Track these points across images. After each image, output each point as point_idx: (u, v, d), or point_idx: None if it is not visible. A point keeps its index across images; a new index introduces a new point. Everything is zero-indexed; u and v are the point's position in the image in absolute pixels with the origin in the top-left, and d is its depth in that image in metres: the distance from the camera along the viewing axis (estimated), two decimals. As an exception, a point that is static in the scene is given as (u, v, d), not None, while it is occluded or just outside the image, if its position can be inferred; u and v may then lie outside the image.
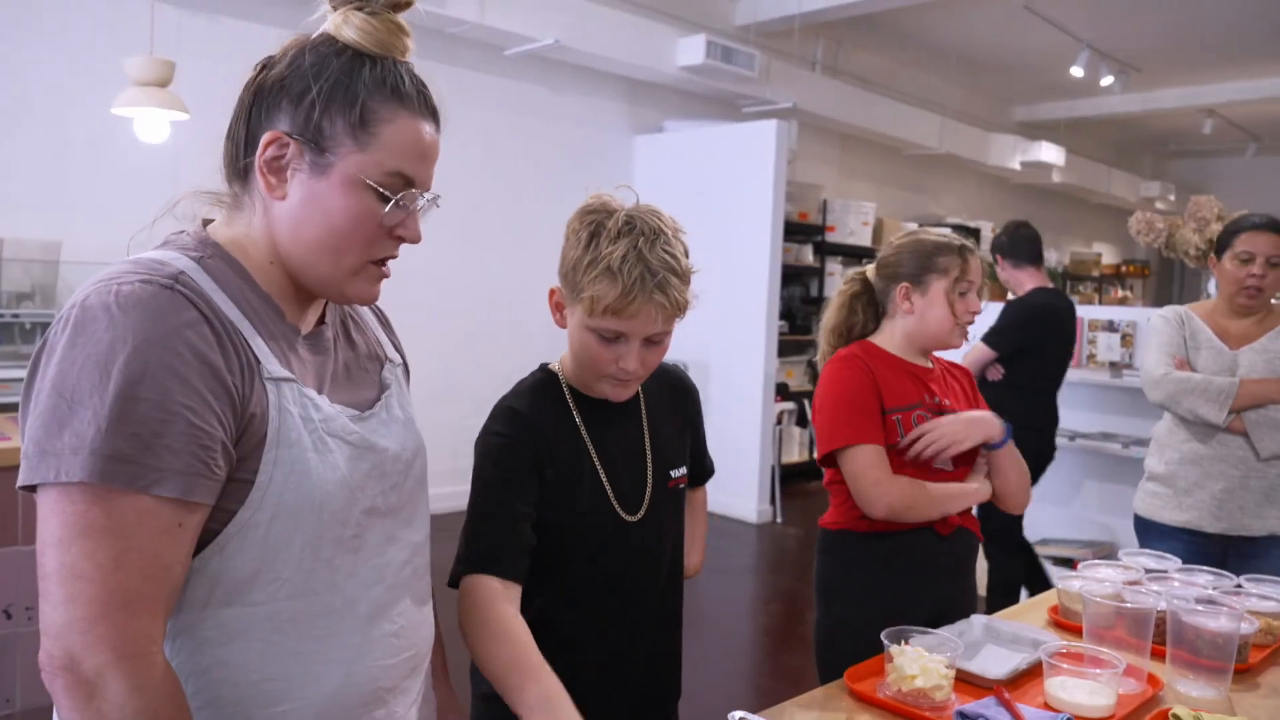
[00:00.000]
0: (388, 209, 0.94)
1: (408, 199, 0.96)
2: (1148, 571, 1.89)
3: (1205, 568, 1.92)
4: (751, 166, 6.17)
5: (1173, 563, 1.96)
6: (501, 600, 1.22)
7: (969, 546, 1.93)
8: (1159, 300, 13.11)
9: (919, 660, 1.40)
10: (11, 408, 2.92)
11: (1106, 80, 8.49)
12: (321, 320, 1.05)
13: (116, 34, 4.06)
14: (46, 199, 4.08)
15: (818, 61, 7.86)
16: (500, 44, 5.75)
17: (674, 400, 1.52)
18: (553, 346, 1.44)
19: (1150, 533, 2.66)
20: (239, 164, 0.96)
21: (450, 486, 3.45)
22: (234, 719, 0.90)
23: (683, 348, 6.49)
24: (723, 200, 6.27)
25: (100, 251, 3.75)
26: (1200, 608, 1.53)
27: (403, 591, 1.02)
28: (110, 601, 0.80)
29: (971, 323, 1.92)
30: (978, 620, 1.72)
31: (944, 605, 1.81)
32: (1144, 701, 1.44)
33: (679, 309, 1.28)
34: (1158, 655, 1.57)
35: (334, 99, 0.92)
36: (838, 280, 7.47)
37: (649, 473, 1.42)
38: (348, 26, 0.94)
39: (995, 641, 1.66)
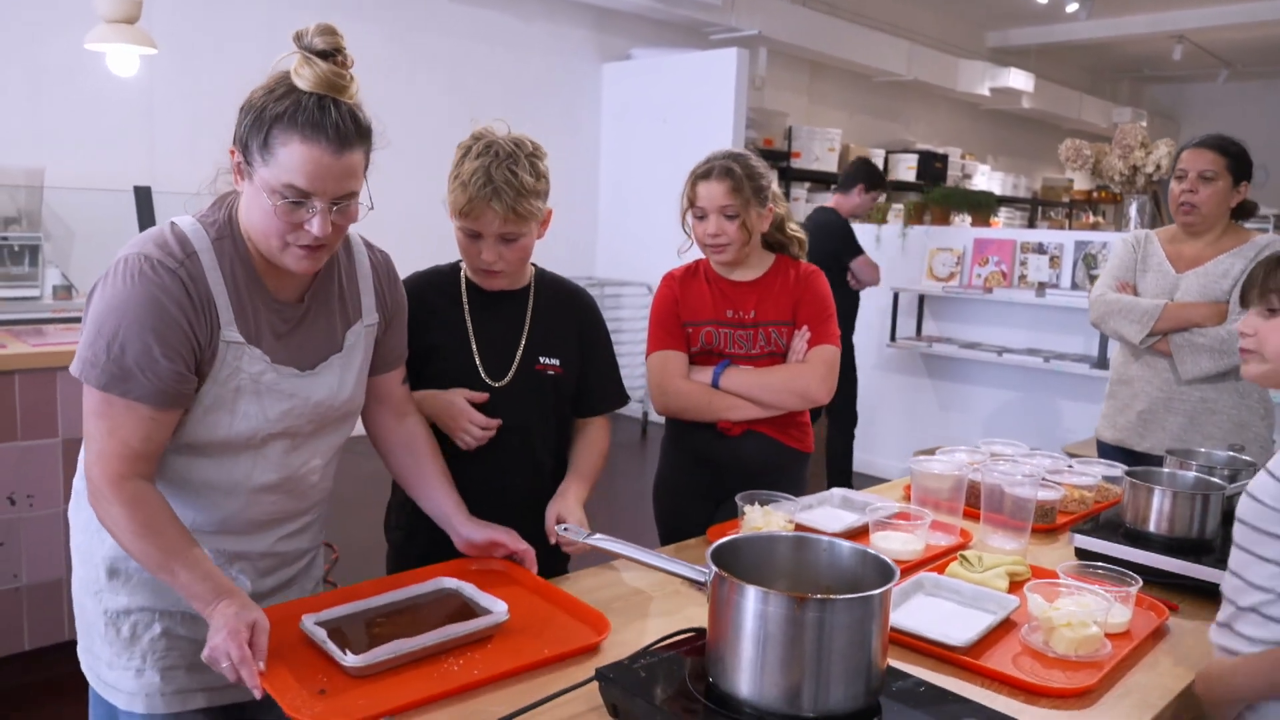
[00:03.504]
0: (277, 211, 1.25)
1: (301, 207, 1.25)
2: (994, 455, 2.21)
3: (1048, 452, 2.23)
4: (715, 94, 6.35)
5: (1020, 448, 2.28)
6: None
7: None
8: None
9: (766, 516, 1.71)
10: (7, 322, 3.21)
11: (1072, 6, 8.60)
12: (307, 290, 1.40)
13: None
14: (26, 130, 4.29)
15: (786, -12, 7.95)
16: (466, -28, 5.86)
17: (564, 308, 1.81)
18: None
19: (1101, 451, 2.77)
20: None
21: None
22: (193, 502, 1.39)
23: (643, 271, 6.76)
24: (687, 127, 6.46)
25: (80, 178, 3.98)
26: (1008, 477, 1.85)
27: (291, 479, 1.43)
28: (104, 453, 1.27)
29: (711, 246, 2.03)
30: (837, 492, 2.04)
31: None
32: (950, 549, 1.76)
33: (518, 215, 1.60)
34: (977, 518, 1.89)
35: (254, 125, 1.24)
36: (803, 205, 7.71)
37: (519, 352, 1.75)
38: (300, 71, 1.24)
39: (846, 508, 1.98)
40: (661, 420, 2.16)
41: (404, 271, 1.81)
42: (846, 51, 8.26)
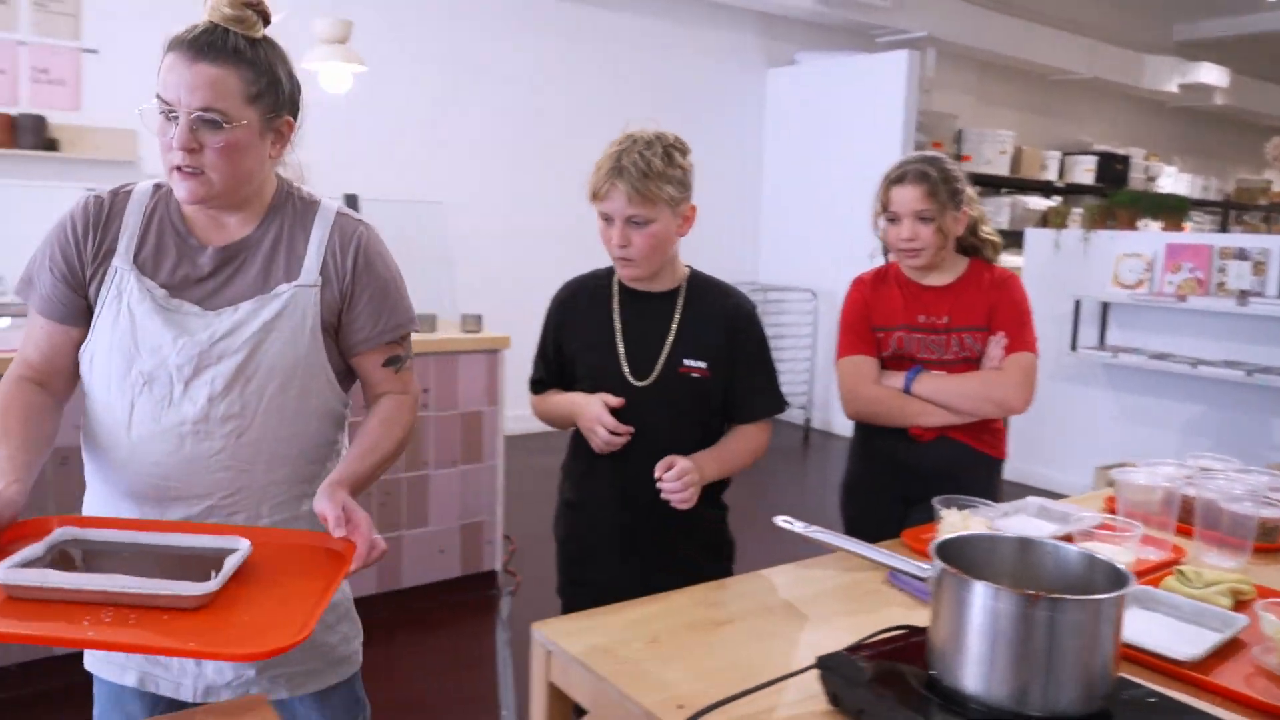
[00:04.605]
0: (157, 129, 1.29)
1: (170, 123, 1.28)
2: (1203, 470, 2.10)
3: (1265, 469, 2.10)
4: (883, 97, 6.26)
5: (1232, 463, 2.15)
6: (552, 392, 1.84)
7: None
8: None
9: (965, 520, 1.70)
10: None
11: (1275, -6, 7.98)
12: (232, 244, 1.39)
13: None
14: None
15: (957, -13, 7.74)
16: (636, -16, 6.02)
17: (715, 311, 1.78)
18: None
19: None
20: None
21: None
22: (98, 458, 1.42)
23: (808, 277, 6.72)
24: (853, 132, 6.39)
25: None
26: (1225, 492, 1.76)
27: (175, 437, 1.35)
28: (20, 352, 1.41)
29: (905, 251, 2.01)
30: (1033, 501, 1.99)
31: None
32: (1162, 564, 1.69)
33: (643, 196, 1.63)
34: (1190, 535, 1.81)
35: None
36: (971, 210, 7.47)
37: (663, 353, 1.75)
38: (209, 5, 1.31)
39: (1044, 518, 1.93)
40: (824, 428, 2.18)
41: (564, 277, 1.88)
42: (1020, 50, 7.96)
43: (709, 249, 1.60)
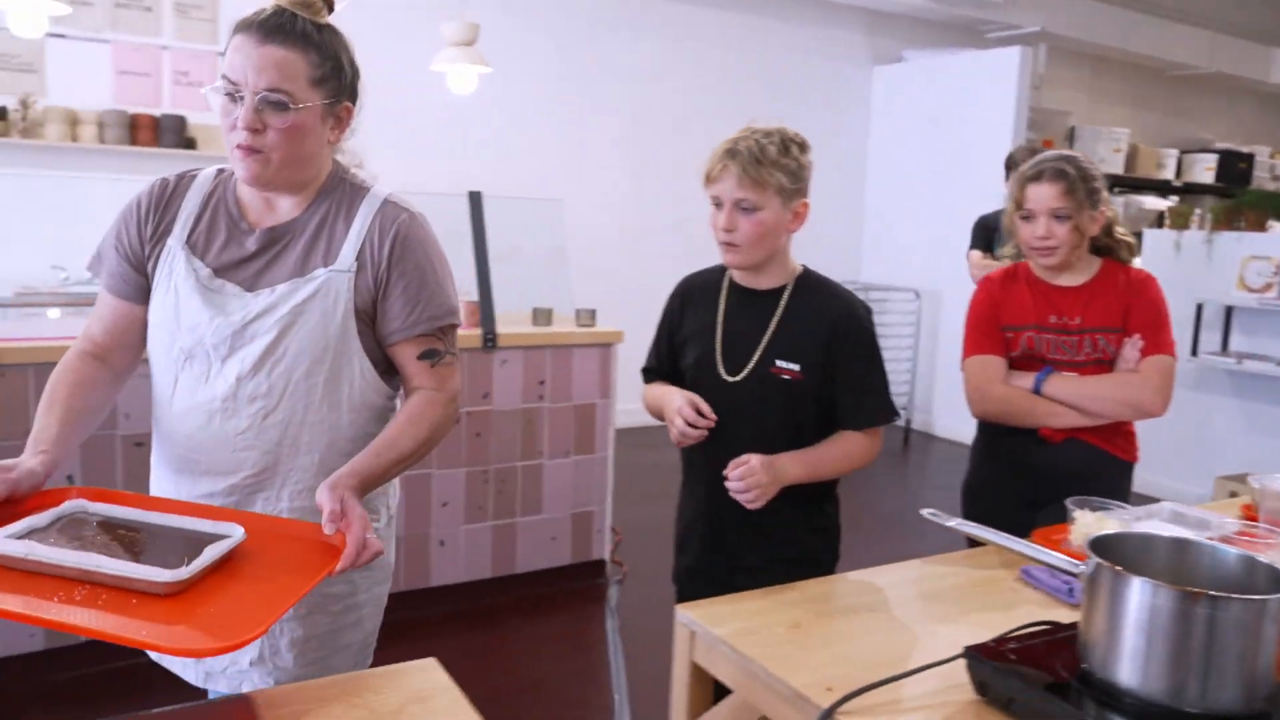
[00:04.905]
0: (220, 109, 1.31)
1: (235, 103, 1.29)
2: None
3: None
4: (992, 94, 6.14)
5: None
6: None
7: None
8: None
9: (1100, 522, 1.69)
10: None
11: None
12: (278, 226, 1.40)
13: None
14: (383, 142, 4.96)
15: (1071, -20, 7.53)
16: (744, -17, 6.04)
17: (819, 312, 1.72)
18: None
19: None
20: None
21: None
22: (155, 427, 1.47)
23: (911, 277, 6.64)
24: (961, 130, 6.29)
25: (418, 184, 4.59)
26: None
27: (205, 413, 1.37)
28: (86, 327, 1.46)
29: (1038, 250, 2.00)
30: (1167, 505, 1.96)
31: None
32: (1308, 573, 1.65)
33: (753, 180, 1.62)
34: (1334, 542, 1.76)
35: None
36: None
37: (758, 351, 1.72)
38: None
39: (1178, 523, 1.90)
40: (925, 429, 2.17)
41: (675, 274, 1.91)
42: (1137, 44, 7.69)
43: (810, 247, 1.63)
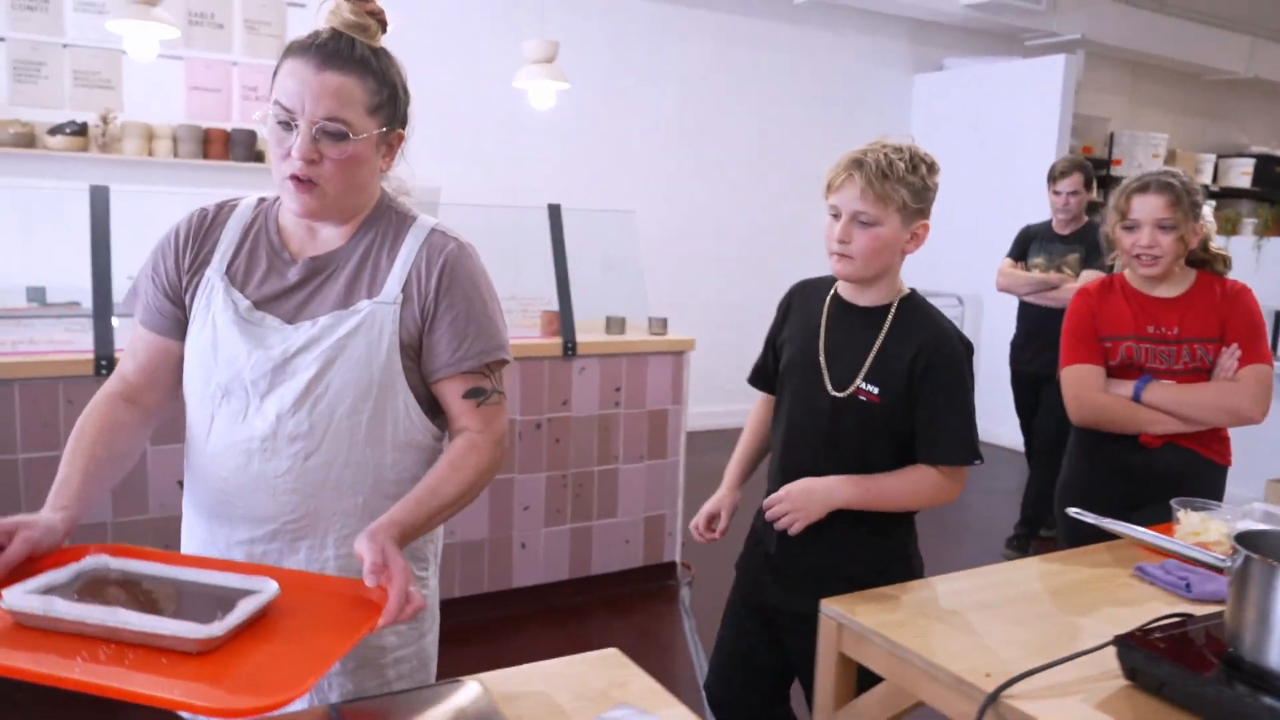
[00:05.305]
0: (273, 137, 1.23)
1: (289, 131, 1.22)
2: None
3: None
4: (1035, 103, 6.21)
5: None
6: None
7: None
8: None
9: (1205, 523, 1.79)
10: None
11: None
12: (321, 256, 1.34)
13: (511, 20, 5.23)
14: (453, 154, 5.12)
15: (1109, -13, 7.59)
16: (790, -5, 6.16)
17: (911, 338, 1.67)
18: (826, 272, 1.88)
19: None
20: None
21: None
22: (190, 466, 1.39)
23: (954, 282, 6.71)
24: (1002, 138, 6.36)
25: (500, 196, 4.89)
26: None
27: (243, 453, 1.30)
28: (119, 366, 1.39)
29: (1142, 259, 2.10)
30: (1258, 506, 2.05)
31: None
32: None
33: (875, 194, 1.60)
34: None
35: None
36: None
37: (855, 370, 1.69)
38: (328, 11, 1.27)
39: (1270, 523, 1.99)
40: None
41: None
42: (1176, 50, 7.75)
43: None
